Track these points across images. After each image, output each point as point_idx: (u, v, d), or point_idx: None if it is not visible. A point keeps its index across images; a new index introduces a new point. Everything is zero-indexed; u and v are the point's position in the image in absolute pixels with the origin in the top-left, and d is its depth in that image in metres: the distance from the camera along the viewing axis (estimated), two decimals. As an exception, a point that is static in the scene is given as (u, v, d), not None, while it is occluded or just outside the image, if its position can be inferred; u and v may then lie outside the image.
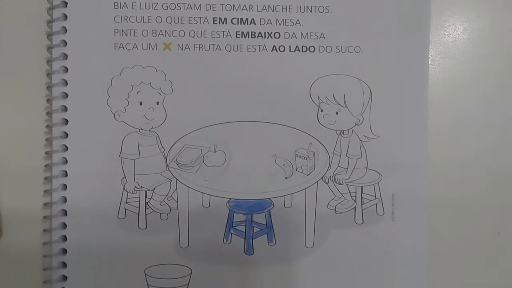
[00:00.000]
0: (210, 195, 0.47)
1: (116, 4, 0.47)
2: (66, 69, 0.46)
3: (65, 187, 0.46)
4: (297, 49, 0.47)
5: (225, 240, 0.47)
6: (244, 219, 0.47)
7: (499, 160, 0.49)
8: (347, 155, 0.47)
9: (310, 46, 0.47)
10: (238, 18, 0.47)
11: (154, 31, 0.47)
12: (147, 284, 0.47)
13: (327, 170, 0.47)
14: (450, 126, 0.49)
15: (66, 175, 0.46)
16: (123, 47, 0.46)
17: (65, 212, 0.47)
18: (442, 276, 0.48)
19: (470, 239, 0.49)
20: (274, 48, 0.47)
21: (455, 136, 0.49)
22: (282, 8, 0.47)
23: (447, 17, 0.49)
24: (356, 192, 0.48)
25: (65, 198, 0.46)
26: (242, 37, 0.47)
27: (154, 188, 0.47)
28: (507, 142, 0.49)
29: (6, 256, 0.47)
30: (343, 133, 0.47)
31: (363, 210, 0.47)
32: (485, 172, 0.49)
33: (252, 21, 0.47)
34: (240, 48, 0.47)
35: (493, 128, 0.49)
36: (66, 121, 0.46)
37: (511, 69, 0.49)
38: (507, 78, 0.49)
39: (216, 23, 0.47)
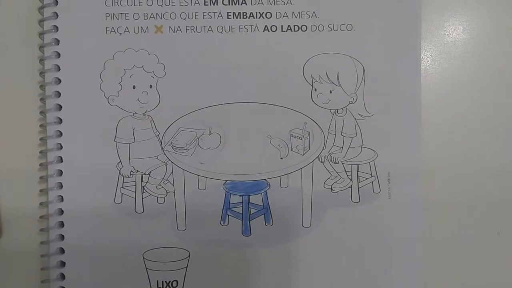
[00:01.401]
0: (206, 177, 0.47)
1: (106, -12, 0.47)
2: (59, 55, 0.46)
3: (60, 172, 0.46)
4: (289, 28, 0.47)
5: (222, 222, 0.47)
6: (241, 201, 0.47)
7: (499, 159, 0.49)
8: (342, 133, 0.47)
9: (302, 25, 0.47)
10: (229, -1, 0.47)
11: (146, 14, 0.46)
12: (146, 268, 0.47)
13: (323, 149, 0.47)
14: (450, 126, 0.49)
15: (61, 161, 0.46)
16: (114, 31, 0.46)
17: (61, 198, 0.47)
18: (442, 276, 0.48)
19: (470, 239, 0.49)
20: (266, 28, 0.47)
21: (455, 136, 0.49)
22: (273, -12, 0.47)
23: (447, 17, 0.49)
24: (352, 171, 0.48)
25: (61, 184, 0.46)
26: (233, 17, 0.47)
27: (150, 172, 0.47)
28: (508, 142, 0.49)
29: (4, 256, 0.47)
30: (337, 112, 0.47)
31: (359, 189, 0.47)
32: (485, 172, 0.49)
33: (243, 2, 0.47)
34: (232, 29, 0.47)
35: (494, 128, 0.49)
36: (60, 107, 0.46)
37: (511, 69, 0.49)
38: (507, 78, 0.49)
39: (207, 5, 0.47)
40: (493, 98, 0.49)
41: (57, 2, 0.46)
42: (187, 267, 0.47)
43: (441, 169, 0.48)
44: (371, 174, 0.47)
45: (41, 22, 0.46)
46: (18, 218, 0.47)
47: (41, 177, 0.47)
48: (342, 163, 0.47)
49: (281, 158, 0.47)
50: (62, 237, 0.47)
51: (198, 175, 0.47)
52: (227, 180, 0.47)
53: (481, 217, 0.49)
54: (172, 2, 0.47)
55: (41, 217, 0.47)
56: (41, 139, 0.47)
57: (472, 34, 0.49)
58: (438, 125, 0.48)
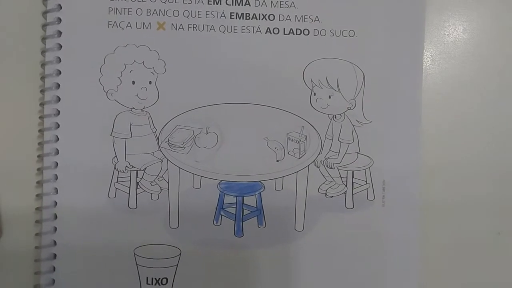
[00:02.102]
0: (201, 176, 0.47)
1: (111, -18, 0.47)
2: (60, 46, 0.46)
3: (56, 164, 0.46)
4: (291, 31, 0.47)
5: (215, 222, 0.47)
6: (235, 201, 0.47)
7: (499, 160, 0.49)
8: (339, 139, 0.47)
9: (305, 29, 0.47)
10: (233, -1, 0.47)
11: (148, 10, 0.47)
12: (137, 264, 0.47)
13: (319, 154, 0.47)
14: (450, 126, 0.49)
15: (58, 152, 0.46)
16: (117, 26, 0.46)
17: (56, 190, 0.46)
18: (442, 276, 0.48)
19: (470, 239, 0.49)
20: (268, 30, 0.47)
21: (455, 136, 0.49)
22: (277, -10, 0.47)
23: (447, 17, 0.49)
24: (347, 177, 0.47)
25: (56, 176, 0.46)
26: (236, 18, 0.47)
27: (145, 168, 0.47)
28: (508, 142, 0.49)
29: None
30: (335, 117, 0.47)
31: (353, 195, 0.47)
32: (485, 172, 0.49)
33: (247, 3, 0.47)
34: (234, 29, 0.47)
35: (494, 128, 0.49)
36: (59, 99, 0.46)
37: (511, 69, 0.49)
38: (507, 78, 0.49)
39: (211, 4, 0.47)
40: (493, 98, 0.49)
41: (61, -6, 0.47)
42: (177, 265, 0.47)
43: (441, 168, 0.48)
44: (366, 181, 0.47)
45: (44, 13, 0.47)
46: (13, 211, 0.47)
47: (38, 169, 0.47)
48: (338, 169, 0.47)
49: (277, 161, 0.47)
50: (55, 229, 0.47)
51: (193, 174, 0.47)
52: (221, 180, 0.47)
53: (481, 217, 0.49)
54: (175, 0, 0.47)
55: (36, 209, 0.47)
56: (39, 130, 0.47)
57: (472, 34, 0.49)
58: (438, 125, 0.48)
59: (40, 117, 0.47)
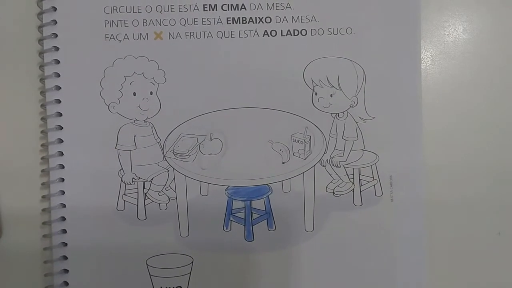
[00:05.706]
0: (208, 183, 0.47)
1: (105, -5, 0.46)
2: (58, 62, 0.46)
3: (62, 180, 0.46)
4: (289, 33, 0.47)
5: (225, 228, 0.47)
6: (243, 206, 0.47)
7: (499, 160, 0.49)
8: (343, 137, 0.47)
9: (302, 30, 0.47)
10: (228, 4, 0.47)
11: (145, 21, 0.46)
12: (150, 275, 0.47)
13: (324, 153, 0.47)
14: (450, 126, 0.49)
15: (63, 167, 0.46)
16: (114, 38, 0.46)
17: (63, 205, 0.46)
18: (442, 276, 0.48)
19: (470, 239, 0.49)
20: (265, 33, 0.47)
21: (455, 136, 0.49)
22: (272, -8, 0.47)
23: (447, 17, 0.49)
24: (354, 174, 0.47)
25: (63, 192, 0.46)
26: (233, 23, 0.47)
27: (152, 179, 0.47)
28: (508, 142, 0.49)
29: (6, 261, 0.47)
30: (338, 115, 0.47)
31: (361, 192, 0.47)
32: (485, 172, 0.49)
33: (243, 7, 0.47)
34: (231, 34, 0.47)
35: (494, 128, 0.49)
36: (60, 114, 0.46)
37: (511, 69, 0.49)
38: (507, 78, 0.49)
39: (207, 10, 0.47)
40: (493, 98, 0.49)
41: (55, 8, 0.46)
42: (190, 273, 0.47)
43: (441, 169, 0.48)
44: (373, 177, 0.47)
45: (40, 28, 0.46)
46: (20, 225, 0.47)
47: (43, 183, 0.47)
48: (344, 167, 0.47)
49: (283, 163, 0.47)
50: (65, 244, 0.47)
51: (200, 181, 0.47)
52: (229, 186, 0.47)
53: (481, 217, 0.49)
54: (171, 8, 0.46)
55: (43, 223, 0.47)
56: (42, 145, 0.47)
57: (472, 34, 0.49)
58: (438, 125, 0.48)
59: (42, 132, 0.47)
